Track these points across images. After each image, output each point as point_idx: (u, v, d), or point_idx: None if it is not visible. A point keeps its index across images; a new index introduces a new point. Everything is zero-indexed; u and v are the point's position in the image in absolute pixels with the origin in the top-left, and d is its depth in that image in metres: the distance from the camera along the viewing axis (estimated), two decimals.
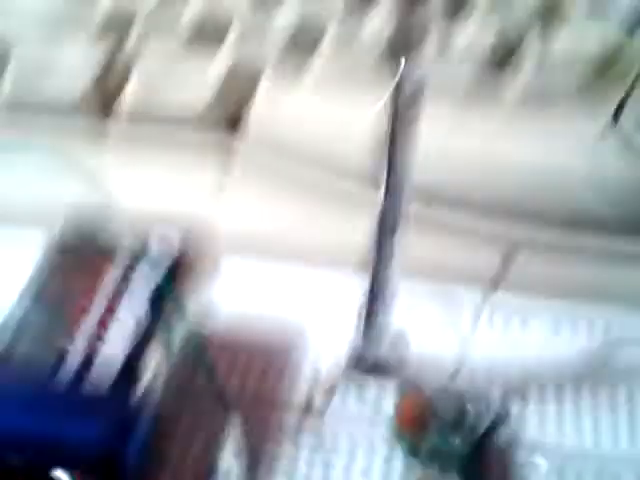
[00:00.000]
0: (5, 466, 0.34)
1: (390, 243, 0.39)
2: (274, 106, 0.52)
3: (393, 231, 0.39)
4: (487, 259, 0.42)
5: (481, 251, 0.46)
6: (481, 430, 0.37)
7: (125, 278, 0.40)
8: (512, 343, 0.44)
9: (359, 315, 0.41)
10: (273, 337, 0.44)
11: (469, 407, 0.39)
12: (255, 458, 0.38)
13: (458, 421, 0.38)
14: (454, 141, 0.50)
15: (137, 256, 0.40)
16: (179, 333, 0.39)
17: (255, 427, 0.40)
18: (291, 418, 0.39)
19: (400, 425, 0.38)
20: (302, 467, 0.38)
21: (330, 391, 0.34)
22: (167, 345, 0.38)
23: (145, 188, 0.50)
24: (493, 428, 0.38)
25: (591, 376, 0.42)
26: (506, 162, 0.49)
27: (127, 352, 0.37)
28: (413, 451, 0.38)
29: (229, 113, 0.53)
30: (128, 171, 0.51)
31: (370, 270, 0.40)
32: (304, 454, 0.38)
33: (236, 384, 0.41)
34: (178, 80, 0.54)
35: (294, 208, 0.49)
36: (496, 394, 0.41)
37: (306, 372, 0.38)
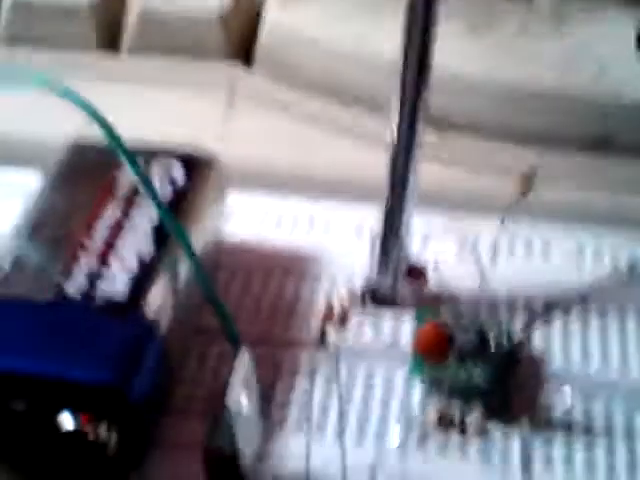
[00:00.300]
0: (7, 412, 0.32)
1: (403, 173, 0.37)
2: (280, 35, 0.50)
3: (407, 161, 0.37)
4: (505, 186, 0.40)
5: (499, 178, 0.44)
6: (503, 358, 0.35)
7: (126, 212, 0.38)
8: (534, 271, 0.42)
9: (373, 247, 0.39)
10: (286, 267, 0.42)
11: (490, 335, 0.37)
12: (268, 394, 0.37)
13: (479, 350, 0.37)
14: (470, 65, 0.48)
15: (139, 190, 0.38)
16: (185, 268, 0.37)
17: (267, 362, 0.38)
18: (305, 352, 0.37)
19: (418, 354, 0.36)
20: (317, 401, 0.36)
21: (344, 323, 0.32)
22: (172, 281, 0.36)
23: (149, 121, 0.48)
24: (515, 355, 0.36)
25: (616, 301, 0.40)
26: (523, 85, 0.47)
27: (129, 289, 0.35)
28: (433, 382, 0.37)
29: (234, 43, 0.51)
30: (131, 105, 0.49)
31: (384, 201, 0.38)
32: (319, 388, 0.37)
33: (246, 318, 0.40)
34: (180, 9, 0.52)
35: (303, 138, 0.47)
36: (518, 323, 0.39)
37: (320, 304, 0.36)
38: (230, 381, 0.30)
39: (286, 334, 0.39)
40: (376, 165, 0.38)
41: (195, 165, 0.40)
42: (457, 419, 0.30)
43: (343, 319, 0.33)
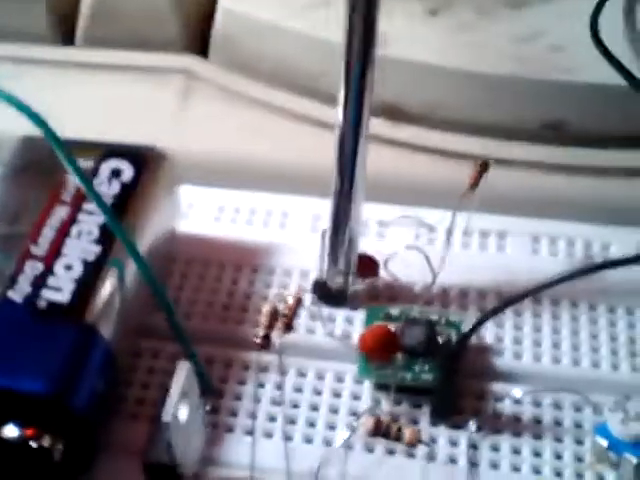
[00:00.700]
0: None
1: (351, 161, 0.37)
2: (235, 24, 0.49)
3: (354, 151, 0.37)
4: (460, 174, 0.39)
5: (454, 166, 0.44)
6: (450, 357, 0.35)
7: (73, 213, 0.37)
8: (488, 261, 0.42)
9: (323, 242, 0.39)
10: (240, 261, 0.42)
11: (439, 331, 0.37)
12: (216, 397, 0.37)
13: (427, 347, 0.37)
14: (426, 48, 0.47)
15: (87, 189, 0.37)
16: (132, 269, 0.37)
17: (218, 362, 0.38)
18: (254, 354, 0.37)
19: (365, 357, 0.36)
20: (264, 405, 0.36)
21: (288, 329, 0.32)
22: (119, 283, 0.36)
23: (104, 113, 0.48)
24: (462, 351, 0.36)
25: (570, 295, 0.40)
26: (478, 69, 0.46)
27: (73, 293, 0.34)
28: (381, 382, 0.37)
29: (189, 32, 0.50)
30: (86, 96, 0.48)
31: (333, 194, 0.38)
32: (266, 391, 0.37)
33: (199, 314, 0.40)
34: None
35: (259, 127, 0.47)
36: (471, 317, 0.39)
37: (272, 301, 0.36)
38: (168, 395, 0.30)
39: (237, 331, 0.39)
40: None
41: (144, 161, 0.40)
42: (393, 429, 0.30)
43: (287, 325, 0.33)
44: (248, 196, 0.44)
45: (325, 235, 0.39)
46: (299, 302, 0.33)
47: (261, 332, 0.32)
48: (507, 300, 0.35)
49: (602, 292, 0.39)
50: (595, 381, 0.37)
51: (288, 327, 0.32)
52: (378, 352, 0.35)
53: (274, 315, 0.32)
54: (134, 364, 0.38)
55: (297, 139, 0.46)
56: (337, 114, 0.36)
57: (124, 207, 0.38)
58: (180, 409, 0.31)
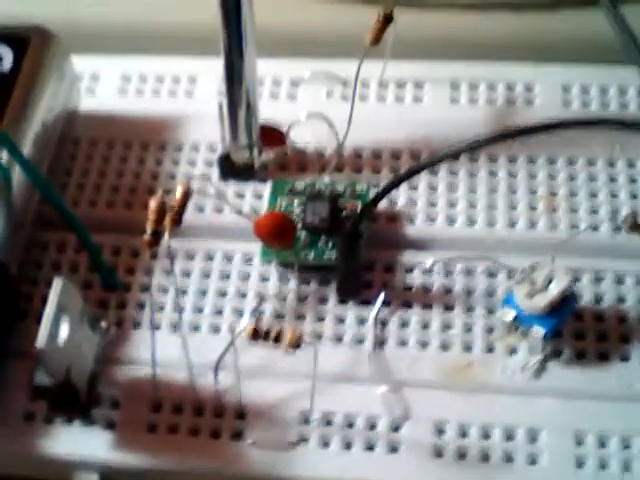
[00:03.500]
0: None
1: (236, 14, 0.34)
2: None
3: (237, 7, 0.33)
4: (364, 21, 0.36)
5: (358, 14, 0.40)
6: (351, 232, 0.34)
7: None
8: (404, 118, 0.39)
9: (221, 114, 0.37)
10: (146, 138, 0.40)
11: (344, 207, 0.36)
12: (124, 290, 0.36)
13: (331, 223, 0.35)
14: None
15: None
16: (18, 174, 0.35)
17: (123, 254, 0.37)
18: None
19: (266, 243, 0.35)
20: (172, 295, 0.36)
21: (178, 222, 0.30)
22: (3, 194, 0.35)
23: None
24: (359, 226, 0.34)
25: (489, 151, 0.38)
26: None
27: None
28: (283, 264, 0.36)
29: None
30: None
31: (223, 54, 0.35)
32: (175, 281, 0.36)
33: (104, 201, 0.38)
34: None
35: None
36: (383, 182, 0.37)
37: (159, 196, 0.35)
38: (43, 316, 0.29)
39: (140, 217, 0.37)
40: None
41: (26, 44, 0.37)
42: (272, 334, 0.29)
43: (175, 220, 0.31)
44: (153, 61, 0.42)
45: (222, 108, 0.36)
46: (187, 194, 0.31)
47: (149, 229, 0.30)
48: (408, 171, 0.33)
49: (523, 143, 0.37)
50: (511, 242, 0.36)
51: (176, 222, 0.31)
52: (273, 239, 0.34)
53: (161, 210, 0.31)
54: (39, 258, 0.37)
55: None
56: None
57: (6, 97, 0.36)
58: (59, 328, 0.30)
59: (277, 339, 0.29)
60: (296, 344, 0.29)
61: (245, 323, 0.33)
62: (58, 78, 0.38)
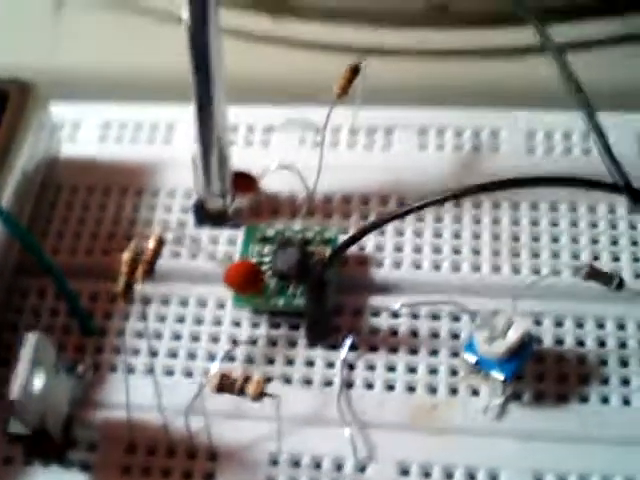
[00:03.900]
0: None
1: (205, 64, 0.35)
2: None
3: (205, 48, 0.34)
4: (337, 70, 0.37)
5: (339, 59, 0.42)
6: (318, 279, 0.35)
7: None
8: (374, 164, 0.41)
9: (194, 165, 0.38)
10: (125, 183, 0.41)
11: (314, 254, 0.37)
12: (100, 336, 0.37)
13: (300, 268, 0.36)
14: None
15: None
16: None
17: (100, 300, 0.38)
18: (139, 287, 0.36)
19: (236, 291, 0.36)
20: (148, 340, 0.37)
21: (149, 274, 0.32)
22: None
23: None
24: (326, 273, 0.35)
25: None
26: None
27: None
28: (257, 311, 0.37)
29: None
30: None
31: (194, 101, 0.36)
32: (149, 326, 0.37)
33: (83, 250, 0.40)
34: None
35: (137, 37, 0.45)
36: (353, 227, 0.38)
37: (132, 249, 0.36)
38: (15, 370, 0.30)
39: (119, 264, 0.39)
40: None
41: (5, 95, 0.39)
42: (237, 384, 0.30)
43: (148, 271, 0.32)
44: (133, 109, 0.43)
45: (196, 158, 0.38)
46: (160, 244, 0.32)
47: (121, 281, 0.31)
48: (373, 223, 0.34)
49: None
50: (475, 286, 0.37)
51: (148, 272, 0.32)
52: (243, 288, 0.35)
53: (134, 262, 0.32)
54: (20, 304, 0.38)
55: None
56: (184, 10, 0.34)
57: None
58: (34, 379, 0.31)
59: (241, 391, 0.30)
60: (259, 395, 0.30)
61: (215, 369, 0.34)
62: (37, 128, 0.40)
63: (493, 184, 0.31)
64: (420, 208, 0.33)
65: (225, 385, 0.30)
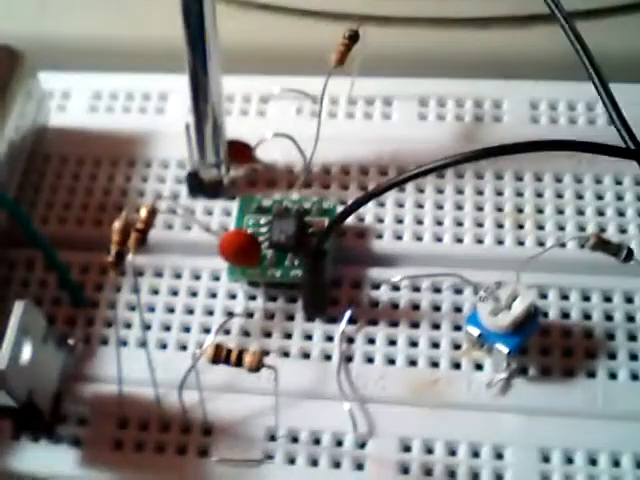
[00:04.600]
0: None
1: (199, 31, 0.33)
2: None
3: (200, 23, 0.33)
4: (335, 39, 0.36)
5: (328, 31, 0.40)
6: (317, 250, 0.34)
7: None
8: (373, 134, 0.39)
9: (188, 133, 0.37)
10: (116, 154, 0.40)
11: (311, 224, 0.36)
12: (91, 307, 0.36)
13: (297, 240, 0.35)
14: None
15: None
16: None
17: (92, 271, 0.37)
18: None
19: (231, 263, 0.35)
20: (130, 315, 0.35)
21: (141, 243, 0.30)
22: None
23: None
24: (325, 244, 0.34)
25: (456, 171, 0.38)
26: None
27: None
28: (253, 283, 0.36)
29: None
30: None
31: (188, 71, 0.35)
32: (142, 297, 0.36)
33: (74, 218, 0.38)
34: None
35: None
36: (352, 198, 0.37)
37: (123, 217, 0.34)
38: (5, 339, 0.29)
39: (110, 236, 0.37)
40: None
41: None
42: (233, 357, 0.29)
43: (140, 240, 0.31)
44: (124, 79, 0.42)
45: (189, 127, 0.37)
46: (152, 214, 0.31)
47: (112, 250, 0.30)
48: (373, 191, 0.33)
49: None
50: (478, 258, 0.36)
51: (141, 242, 0.31)
52: (238, 259, 0.34)
53: (126, 231, 0.31)
54: (8, 276, 0.37)
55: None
56: None
57: None
58: (22, 350, 0.30)
59: (238, 362, 0.29)
60: (256, 367, 0.29)
61: (210, 341, 0.33)
62: (25, 96, 0.38)
63: (502, 148, 0.30)
64: (420, 175, 0.32)
65: (221, 356, 0.29)
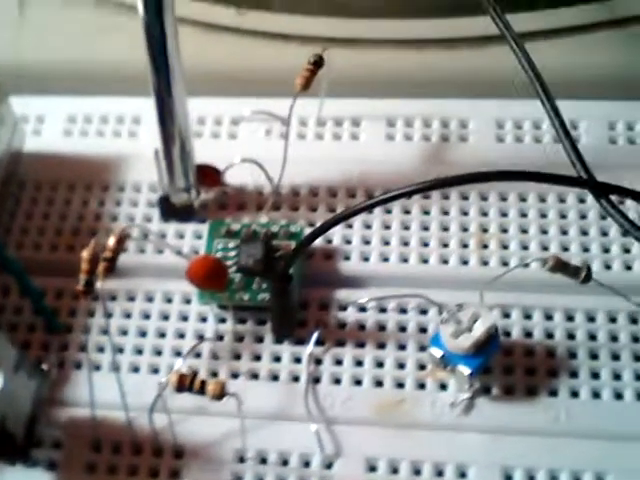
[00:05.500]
0: None
1: (162, 55, 0.34)
2: None
3: (162, 46, 0.34)
4: (301, 62, 0.37)
5: (292, 54, 0.41)
6: (283, 273, 0.34)
7: None
8: (341, 155, 0.40)
9: (157, 159, 0.37)
10: (90, 179, 0.40)
11: (278, 248, 0.36)
12: (65, 333, 0.37)
13: (264, 264, 0.36)
14: None
15: None
16: None
17: (66, 297, 0.38)
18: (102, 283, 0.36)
19: (199, 287, 0.35)
20: (113, 337, 0.36)
21: (110, 270, 0.31)
22: None
23: None
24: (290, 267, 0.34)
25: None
26: None
27: None
28: (223, 306, 0.36)
29: None
30: None
31: (153, 94, 0.35)
32: (115, 321, 0.36)
33: (48, 243, 0.39)
34: None
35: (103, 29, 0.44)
36: (320, 220, 0.37)
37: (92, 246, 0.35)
38: None
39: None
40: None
41: None
42: (197, 383, 0.30)
43: (108, 268, 0.32)
44: (98, 102, 0.43)
45: (158, 153, 0.37)
46: (121, 241, 0.32)
47: (82, 279, 0.31)
48: (339, 215, 0.33)
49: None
50: (444, 278, 0.37)
51: (109, 270, 0.31)
52: (205, 284, 0.35)
53: (94, 259, 0.31)
54: None
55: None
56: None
57: None
58: None
59: (201, 391, 0.30)
60: (219, 395, 0.30)
61: (179, 366, 0.34)
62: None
63: (458, 178, 0.31)
64: (385, 201, 0.32)
65: (185, 384, 0.30)
